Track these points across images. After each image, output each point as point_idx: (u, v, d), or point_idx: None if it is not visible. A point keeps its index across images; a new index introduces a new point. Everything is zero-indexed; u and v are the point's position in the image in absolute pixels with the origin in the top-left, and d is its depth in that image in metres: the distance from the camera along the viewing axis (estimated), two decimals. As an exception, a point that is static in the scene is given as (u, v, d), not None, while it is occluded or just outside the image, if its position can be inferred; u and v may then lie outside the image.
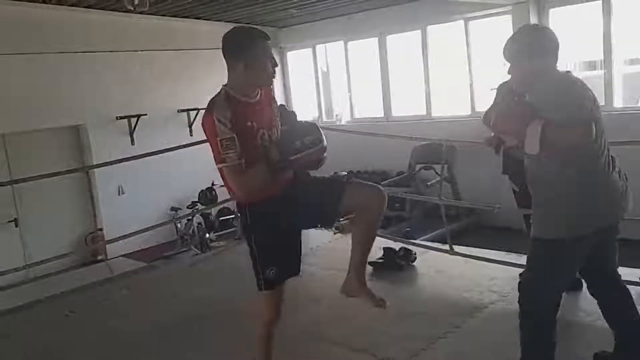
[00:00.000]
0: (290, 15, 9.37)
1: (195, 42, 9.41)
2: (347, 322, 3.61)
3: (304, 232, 2.79)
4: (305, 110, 10.08)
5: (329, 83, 10.65)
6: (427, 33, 8.83)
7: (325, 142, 2.45)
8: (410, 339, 3.34)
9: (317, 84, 10.52)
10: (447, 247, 4.58)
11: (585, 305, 3.54)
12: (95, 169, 8.23)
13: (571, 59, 8.32)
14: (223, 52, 2.49)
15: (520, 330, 2.61)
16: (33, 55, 7.76)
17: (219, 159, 2.37)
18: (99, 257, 8.55)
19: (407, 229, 7.78)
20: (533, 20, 7.53)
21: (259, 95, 2.53)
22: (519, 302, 2.67)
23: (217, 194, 9.19)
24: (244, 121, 2.40)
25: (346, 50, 9.86)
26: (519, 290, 2.84)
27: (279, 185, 2.49)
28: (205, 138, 2.46)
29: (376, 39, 9.39)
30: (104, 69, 8.56)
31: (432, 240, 6.00)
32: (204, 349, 3.57)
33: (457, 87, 8.74)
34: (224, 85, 2.50)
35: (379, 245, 4.90)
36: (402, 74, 9.48)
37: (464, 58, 8.44)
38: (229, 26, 2.49)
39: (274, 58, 2.48)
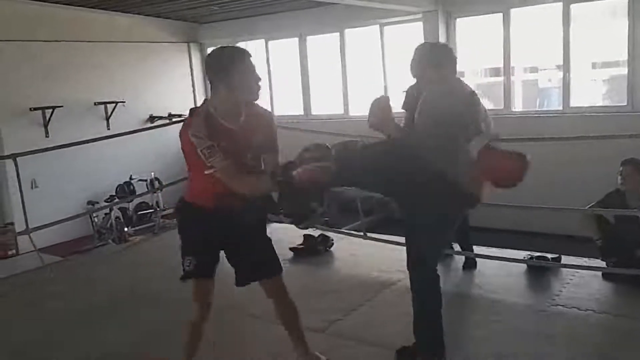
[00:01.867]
0: (211, 12, 9.48)
1: (114, 35, 9.31)
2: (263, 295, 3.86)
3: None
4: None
5: (249, 80, 10.82)
6: (345, 36, 9.24)
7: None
8: (327, 312, 3.65)
9: (238, 81, 10.66)
10: (361, 233, 4.93)
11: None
12: (5, 161, 7.97)
13: (477, 65, 9.02)
14: (207, 72, 2.54)
15: None
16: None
17: (206, 167, 2.45)
18: (10, 253, 8.27)
19: (327, 218, 8.12)
20: (441, 27, 8.11)
21: (242, 118, 2.55)
22: None
23: (135, 188, 9.16)
24: (218, 142, 2.44)
25: (267, 48, 10.09)
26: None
27: (227, 197, 2.55)
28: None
29: (296, 39, 9.69)
30: (17, 58, 8.28)
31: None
32: (141, 328, 3.70)
33: (373, 87, 9.19)
34: (206, 101, 2.57)
35: (300, 233, 5.19)
36: (322, 73, 9.84)
37: (379, 61, 8.92)
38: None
39: (257, 75, 2.53)
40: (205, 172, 2.46)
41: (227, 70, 2.46)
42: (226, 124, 2.51)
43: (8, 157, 5.28)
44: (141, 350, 3.38)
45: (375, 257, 4.71)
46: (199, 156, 2.44)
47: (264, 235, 2.83)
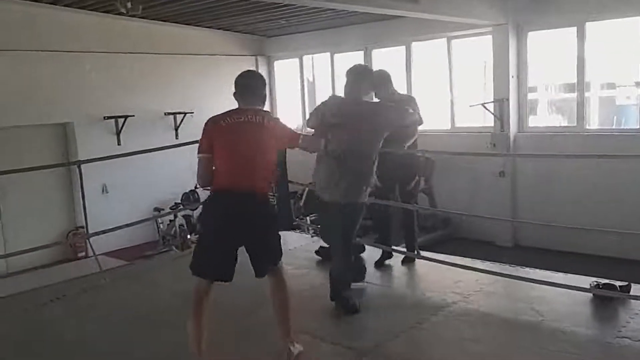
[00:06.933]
0: (279, 26, 9.61)
1: (185, 47, 9.61)
2: (316, 314, 3.80)
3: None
4: (290, 119, 10.29)
5: (314, 93, 10.90)
6: (411, 49, 9.12)
7: None
8: (375, 332, 3.54)
9: (303, 93, 10.76)
10: (414, 252, 4.80)
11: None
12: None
13: (549, 80, 8.64)
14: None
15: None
16: (21, 52, 7.91)
17: None
18: (79, 255, 8.65)
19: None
20: (512, 41, 7.83)
21: None
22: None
23: (200, 196, 9.36)
24: None
25: (332, 61, 10.11)
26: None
27: None
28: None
29: (362, 52, 9.65)
30: (93, 69, 8.71)
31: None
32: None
33: (439, 102, 9.01)
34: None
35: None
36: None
37: (446, 75, 8.72)
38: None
39: None
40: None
41: None
42: None
43: (73, 163, 5.53)
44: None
45: (429, 277, 4.56)
46: None
47: None
